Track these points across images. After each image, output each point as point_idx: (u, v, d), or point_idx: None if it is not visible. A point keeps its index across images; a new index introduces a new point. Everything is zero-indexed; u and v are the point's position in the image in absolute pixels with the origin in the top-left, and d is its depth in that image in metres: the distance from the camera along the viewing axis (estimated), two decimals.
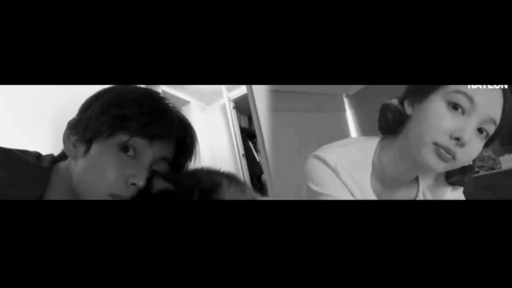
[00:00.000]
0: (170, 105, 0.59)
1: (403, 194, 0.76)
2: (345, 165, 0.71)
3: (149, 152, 0.55)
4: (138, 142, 0.54)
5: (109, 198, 0.52)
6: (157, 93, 0.60)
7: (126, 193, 0.53)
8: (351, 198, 0.71)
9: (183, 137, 0.61)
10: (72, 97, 0.61)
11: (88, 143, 0.54)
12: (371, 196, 0.72)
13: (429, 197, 0.75)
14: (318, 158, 0.73)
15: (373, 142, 0.75)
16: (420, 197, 0.75)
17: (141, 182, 0.53)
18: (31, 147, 0.60)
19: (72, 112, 0.59)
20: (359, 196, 0.71)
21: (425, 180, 0.76)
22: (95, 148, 0.54)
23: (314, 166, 0.73)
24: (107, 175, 0.52)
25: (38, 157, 0.58)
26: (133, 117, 0.53)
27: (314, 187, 0.73)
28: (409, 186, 0.76)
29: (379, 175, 0.73)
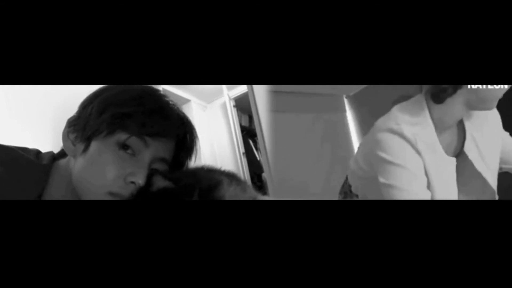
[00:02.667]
0: (170, 102, 0.59)
1: (454, 136, 0.88)
2: (416, 132, 0.79)
3: (148, 151, 0.55)
4: (137, 140, 0.54)
5: (108, 196, 0.52)
6: (157, 91, 0.60)
7: (125, 191, 0.52)
8: (421, 168, 0.79)
9: (183, 135, 0.60)
10: (72, 95, 0.60)
11: (87, 141, 0.54)
12: (440, 151, 0.81)
13: (478, 134, 0.87)
14: (394, 132, 0.79)
15: (421, 102, 0.84)
16: (469, 138, 0.87)
17: (140, 181, 0.53)
18: (31, 145, 0.60)
19: (72, 109, 0.59)
20: (430, 159, 0.80)
21: (471, 125, 0.87)
22: (94, 146, 0.53)
23: (391, 140, 0.79)
24: (107, 173, 0.52)
25: (37, 155, 0.58)
26: (132, 116, 0.53)
27: (387, 156, 0.79)
28: (458, 130, 0.88)
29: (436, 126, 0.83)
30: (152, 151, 0.55)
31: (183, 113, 0.61)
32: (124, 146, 0.53)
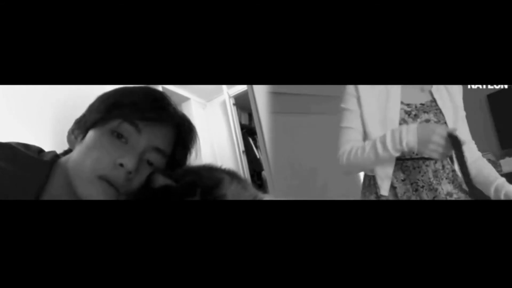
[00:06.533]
0: (168, 98, 0.60)
1: None
2: None
3: (141, 137, 0.55)
4: (128, 126, 0.54)
5: (98, 181, 0.51)
6: (158, 90, 0.61)
7: (115, 174, 0.52)
8: None
9: (176, 125, 0.60)
10: (71, 95, 0.61)
11: (85, 132, 0.55)
12: None
13: None
14: None
15: None
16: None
17: (129, 164, 0.52)
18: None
19: (71, 109, 0.60)
20: None
21: None
22: (90, 134, 0.55)
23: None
24: (98, 157, 0.52)
25: (39, 152, 0.59)
26: (127, 104, 0.55)
27: None
28: None
29: None
30: (145, 138, 0.55)
31: (180, 110, 0.62)
32: (118, 135, 0.54)
